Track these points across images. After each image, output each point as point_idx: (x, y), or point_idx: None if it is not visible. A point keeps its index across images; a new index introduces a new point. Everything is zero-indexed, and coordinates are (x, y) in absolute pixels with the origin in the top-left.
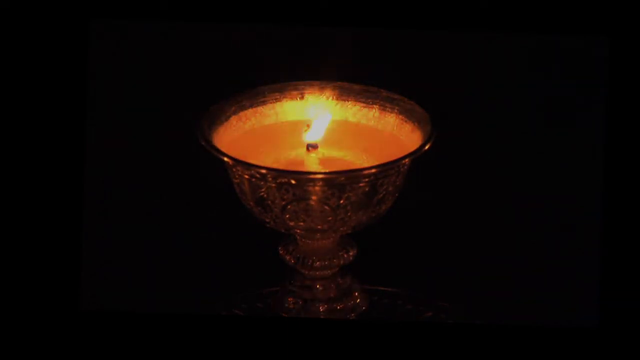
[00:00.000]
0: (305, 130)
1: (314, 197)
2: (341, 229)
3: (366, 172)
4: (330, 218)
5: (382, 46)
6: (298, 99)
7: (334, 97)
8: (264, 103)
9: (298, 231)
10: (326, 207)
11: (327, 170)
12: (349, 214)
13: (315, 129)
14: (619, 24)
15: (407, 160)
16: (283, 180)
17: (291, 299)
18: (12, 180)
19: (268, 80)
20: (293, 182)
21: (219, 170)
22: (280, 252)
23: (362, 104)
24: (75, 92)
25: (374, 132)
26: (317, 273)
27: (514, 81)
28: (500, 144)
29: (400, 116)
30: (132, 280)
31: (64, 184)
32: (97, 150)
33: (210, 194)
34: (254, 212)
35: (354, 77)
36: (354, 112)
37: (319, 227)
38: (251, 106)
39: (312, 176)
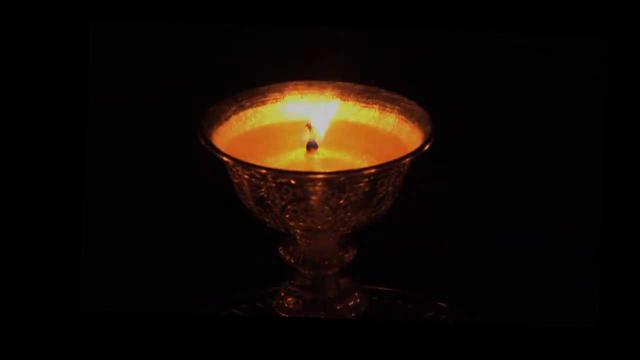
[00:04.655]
0: (306, 130)
1: (314, 197)
2: (341, 229)
3: (366, 172)
4: (330, 218)
5: (382, 46)
6: (298, 99)
7: (334, 97)
8: (264, 103)
9: (298, 231)
10: (326, 207)
11: (327, 171)
12: (349, 214)
13: (317, 129)
14: (619, 24)
15: (407, 160)
16: (283, 180)
17: (291, 299)
18: (12, 180)
19: (268, 80)
20: (293, 182)
21: (219, 170)
22: (280, 252)
23: (362, 104)
24: (75, 91)
25: (374, 132)
26: (317, 273)
27: (513, 81)
28: (500, 143)
29: (400, 116)
30: (132, 280)
31: (64, 184)
32: (97, 150)
33: (210, 194)
34: (254, 212)
35: (354, 77)
36: (354, 112)
37: (319, 227)
38: (251, 106)
39: (312, 176)
